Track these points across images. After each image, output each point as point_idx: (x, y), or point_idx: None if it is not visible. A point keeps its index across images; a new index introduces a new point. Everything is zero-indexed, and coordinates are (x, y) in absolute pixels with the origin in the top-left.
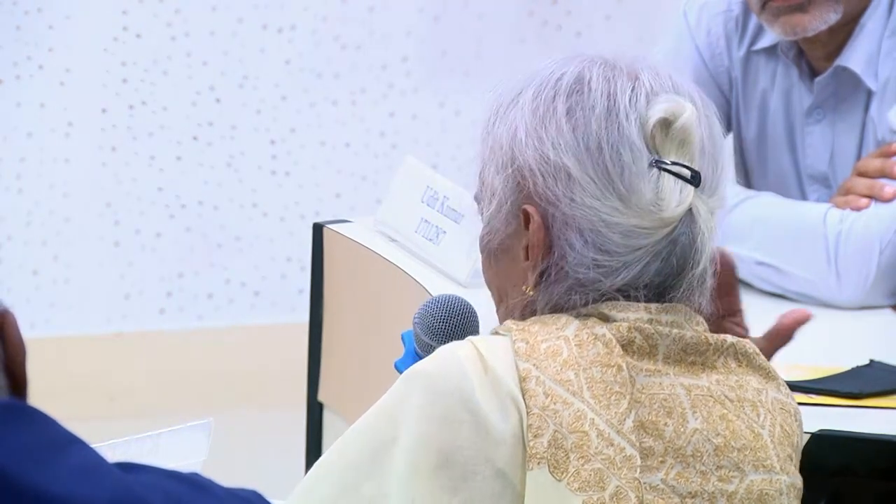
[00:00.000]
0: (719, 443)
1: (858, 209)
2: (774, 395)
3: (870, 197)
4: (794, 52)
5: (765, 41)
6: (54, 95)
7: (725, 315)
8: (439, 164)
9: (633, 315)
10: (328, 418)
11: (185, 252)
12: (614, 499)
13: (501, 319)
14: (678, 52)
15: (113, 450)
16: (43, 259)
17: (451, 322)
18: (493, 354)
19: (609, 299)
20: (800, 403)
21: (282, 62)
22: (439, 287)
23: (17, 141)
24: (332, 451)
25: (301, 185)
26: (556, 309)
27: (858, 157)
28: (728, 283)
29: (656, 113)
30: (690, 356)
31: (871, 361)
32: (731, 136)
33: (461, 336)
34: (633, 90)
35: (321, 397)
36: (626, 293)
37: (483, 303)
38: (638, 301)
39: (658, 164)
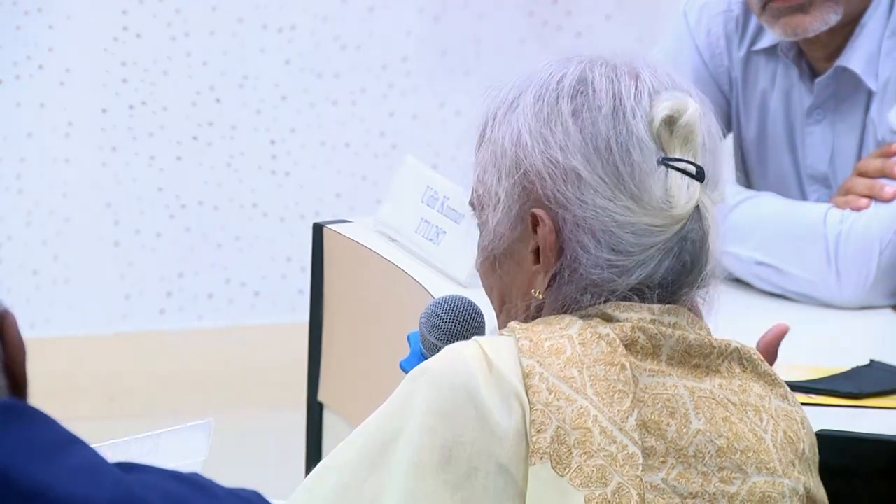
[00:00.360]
0: (722, 444)
1: (858, 209)
2: (778, 403)
3: (870, 197)
4: (795, 52)
5: (765, 41)
6: (54, 95)
7: None
8: (439, 164)
9: (636, 315)
10: (328, 418)
11: (185, 252)
12: (616, 495)
13: (502, 325)
14: (678, 52)
15: (113, 450)
16: (43, 259)
17: (457, 322)
18: (497, 353)
19: (622, 299)
20: (800, 403)
21: (282, 62)
22: (439, 287)
23: (17, 141)
24: (336, 451)
25: (301, 185)
26: (564, 310)
27: (858, 157)
28: (769, 352)
29: (662, 110)
30: (694, 358)
31: (871, 361)
32: (730, 136)
33: (467, 336)
34: (636, 89)
35: (321, 397)
36: (641, 292)
37: (486, 303)
38: (652, 301)
39: (665, 162)
